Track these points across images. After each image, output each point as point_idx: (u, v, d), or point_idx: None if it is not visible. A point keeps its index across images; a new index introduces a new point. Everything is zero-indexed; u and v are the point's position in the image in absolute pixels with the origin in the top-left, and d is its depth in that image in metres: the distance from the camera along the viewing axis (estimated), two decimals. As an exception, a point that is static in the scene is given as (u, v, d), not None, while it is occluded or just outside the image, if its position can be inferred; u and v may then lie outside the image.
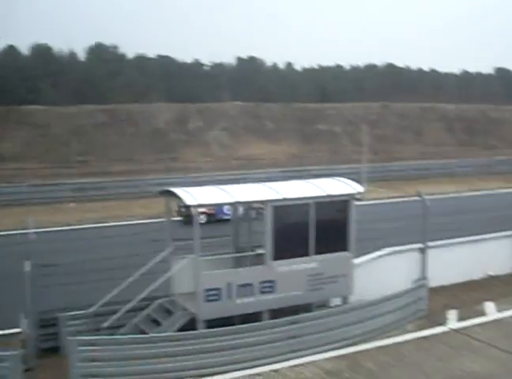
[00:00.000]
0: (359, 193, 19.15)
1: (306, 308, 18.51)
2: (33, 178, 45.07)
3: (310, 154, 61.75)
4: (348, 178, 20.02)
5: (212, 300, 17.22)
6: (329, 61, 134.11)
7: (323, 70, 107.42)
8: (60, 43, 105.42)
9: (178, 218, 28.13)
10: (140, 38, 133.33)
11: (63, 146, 54.30)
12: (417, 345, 17.95)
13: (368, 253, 22.51)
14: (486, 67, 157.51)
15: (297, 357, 16.83)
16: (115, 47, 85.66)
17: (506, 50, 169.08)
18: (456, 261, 24.54)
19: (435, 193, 36.75)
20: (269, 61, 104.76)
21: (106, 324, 17.13)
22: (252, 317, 17.54)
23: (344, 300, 19.56)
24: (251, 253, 18.97)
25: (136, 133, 59.21)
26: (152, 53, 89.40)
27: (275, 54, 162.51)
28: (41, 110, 57.61)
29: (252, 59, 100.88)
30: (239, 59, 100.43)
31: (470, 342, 18.12)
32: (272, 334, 16.86)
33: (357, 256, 20.69)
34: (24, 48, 79.47)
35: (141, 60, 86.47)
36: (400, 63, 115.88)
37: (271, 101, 72.89)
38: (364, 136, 41.00)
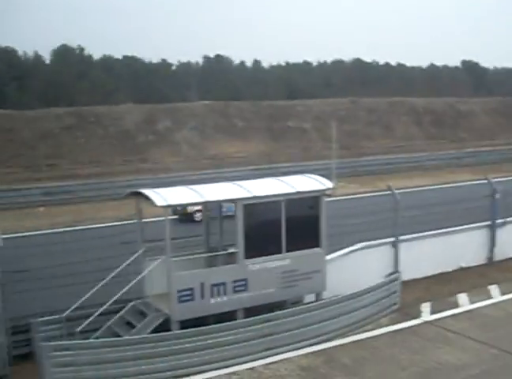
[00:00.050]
0: (330, 189, 19.21)
1: (280, 305, 18.52)
2: (0, 183, 44.57)
3: (281, 151, 61.72)
4: (319, 175, 20.07)
5: (185, 300, 17.19)
6: (296, 58, 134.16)
7: (291, 67, 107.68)
8: (25, 46, 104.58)
9: (174, 216, 28.48)
10: (106, 39, 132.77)
11: (31, 150, 53.73)
12: (392, 338, 18.04)
13: (340, 248, 22.58)
14: (453, 60, 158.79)
15: (272, 354, 16.84)
16: (81, 49, 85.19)
17: (473, 42, 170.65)
18: (428, 254, 24.73)
19: (406, 187, 36.92)
20: (236, 60, 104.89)
21: (79, 329, 17.00)
22: (226, 317, 17.52)
23: (318, 296, 19.61)
24: (223, 252, 18.95)
25: (104, 135, 58.79)
26: (118, 54, 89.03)
27: (242, 52, 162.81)
28: (7, 115, 57.00)
29: (219, 58, 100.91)
30: (206, 58, 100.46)
31: (444, 334, 18.23)
32: (246, 332, 16.84)
33: (329, 252, 20.78)
34: (-13, 52, 78.81)
35: (108, 61, 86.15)
36: (367, 58, 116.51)
37: (240, 99, 72.86)
38: (333, 132, 41.05)
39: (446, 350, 17.07)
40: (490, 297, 21.63)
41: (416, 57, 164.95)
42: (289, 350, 17.07)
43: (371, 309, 19.48)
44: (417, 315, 19.82)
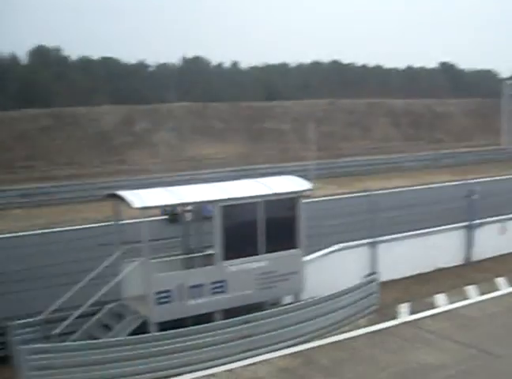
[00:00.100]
0: (308, 191, 19.23)
1: (258, 307, 18.50)
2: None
3: (259, 152, 61.71)
4: (297, 176, 20.09)
5: (163, 302, 17.13)
6: (274, 59, 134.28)
7: (269, 68, 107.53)
8: (0, 47, 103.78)
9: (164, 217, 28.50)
10: (83, 40, 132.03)
11: (7, 151, 53.35)
12: (370, 339, 18.08)
13: (319, 249, 22.60)
14: (430, 62, 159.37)
15: (251, 356, 16.83)
16: (58, 50, 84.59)
17: (451, 44, 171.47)
18: (406, 255, 24.83)
19: (384, 188, 37.07)
20: (214, 61, 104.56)
21: (56, 331, 16.88)
22: (205, 318, 17.47)
23: (296, 297, 19.61)
24: (201, 253, 18.90)
25: (82, 137, 58.49)
26: (96, 54, 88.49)
27: (220, 53, 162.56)
28: (-18, 116, 56.62)
29: (197, 59, 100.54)
30: (185, 59, 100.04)
31: (422, 334, 18.31)
32: (225, 334, 16.83)
33: (308, 253, 20.80)
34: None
35: (85, 62, 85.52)
36: (345, 60, 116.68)
37: (218, 100, 72.74)
38: (311, 133, 41.10)
39: (424, 350, 17.13)
40: (467, 297, 21.76)
41: (394, 58, 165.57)
42: (268, 352, 17.07)
43: (350, 310, 19.51)
44: (395, 316, 19.88)
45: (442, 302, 21.23)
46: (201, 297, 17.66)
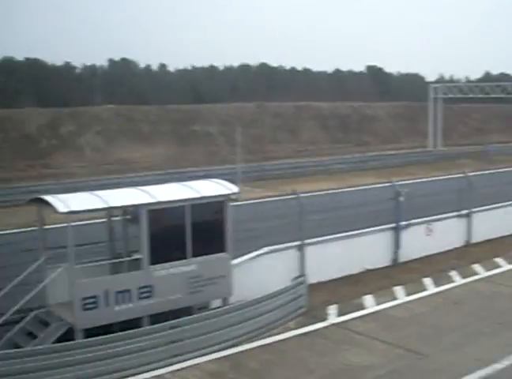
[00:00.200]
0: (235, 194, 19.17)
1: (186, 311, 18.34)
2: None
3: (186, 156, 61.56)
4: (224, 179, 19.99)
5: (89, 308, 16.80)
6: (202, 62, 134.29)
7: (197, 71, 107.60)
8: None
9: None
10: (5, 40, 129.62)
11: None
12: (299, 342, 18.03)
13: (247, 253, 22.55)
14: (358, 65, 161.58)
15: (180, 361, 16.61)
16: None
17: (378, 48, 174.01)
18: (334, 257, 24.96)
19: (311, 191, 37.23)
20: (142, 63, 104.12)
21: (-23, 341, 16.45)
22: (132, 324, 17.23)
23: (225, 301, 19.51)
24: (128, 258, 18.64)
25: (5, 140, 57.45)
26: (19, 56, 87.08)
27: (148, 55, 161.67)
28: None
29: (125, 61, 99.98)
30: (112, 61, 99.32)
31: (351, 335, 18.34)
32: (152, 339, 16.57)
33: (235, 256, 20.72)
34: None
35: (9, 63, 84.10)
36: (273, 63, 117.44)
37: (145, 103, 72.37)
38: (238, 136, 41.09)
39: (353, 351, 17.16)
40: (395, 298, 21.91)
41: (322, 62, 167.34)
42: (196, 357, 16.87)
43: (278, 313, 19.45)
44: (324, 318, 19.89)
45: (370, 303, 21.33)
46: (127, 302, 17.40)
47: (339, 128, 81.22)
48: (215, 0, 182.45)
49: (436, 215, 29.73)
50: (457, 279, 24.09)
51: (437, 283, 23.47)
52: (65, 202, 16.75)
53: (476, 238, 30.91)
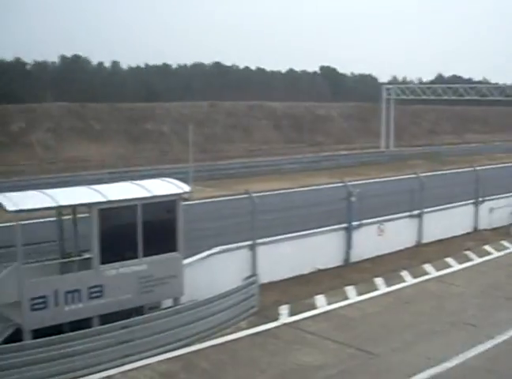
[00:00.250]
0: (186, 193, 19.06)
1: (137, 311, 18.19)
2: None
3: (139, 154, 61.19)
4: (177, 178, 19.87)
5: (38, 309, 16.57)
6: (155, 60, 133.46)
7: (150, 69, 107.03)
8: None
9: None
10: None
11: None
12: (251, 342, 17.98)
13: (198, 252, 22.44)
14: (312, 66, 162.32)
15: (130, 361, 16.46)
16: None
17: (332, 49, 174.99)
18: (285, 257, 24.99)
19: (264, 190, 37.21)
20: (94, 60, 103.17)
21: None
22: (82, 324, 17.02)
23: (176, 301, 19.39)
24: (78, 258, 18.43)
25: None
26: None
27: (100, 52, 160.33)
28: None
29: (76, 58, 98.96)
30: (63, 58, 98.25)
31: (303, 335, 18.34)
32: (103, 340, 16.40)
33: (187, 256, 20.61)
34: None
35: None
36: (227, 62, 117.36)
37: (97, 101, 71.69)
38: (191, 135, 40.92)
39: (304, 351, 17.16)
40: (346, 298, 21.97)
41: (276, 61, 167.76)
42: (147, 357, 16.73)
43: (230, 312, 19.41)
44: (276, 317, 19.86)
45: (322, 303, 21.35)
46: (77, 302, 17.19)
47: (292, 128, 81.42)
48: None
49: (388, 215, 29.94)
50: (408, 279, 24.27)
51: (388, 283, 23.61)
52: (13, 200, 16.49)
53: (427, 238, 31.23)
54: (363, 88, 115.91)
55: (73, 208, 19.09)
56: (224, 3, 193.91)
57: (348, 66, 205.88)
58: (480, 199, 34.70)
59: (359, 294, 22.34)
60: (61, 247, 19.48)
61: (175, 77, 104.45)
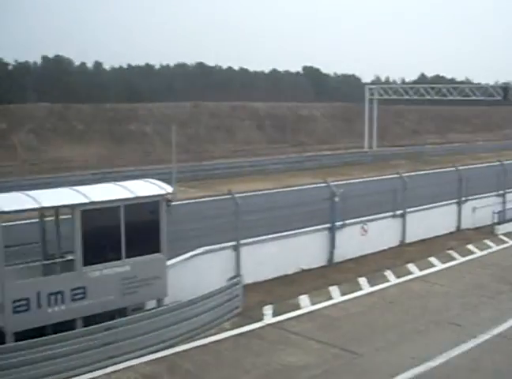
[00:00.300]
0: (170, 194, 19.00)
1: (121, 312, 18.12)
2: None
3: (122, 155, 60.98)
4: (160, 179, 19.81)
5: (20, 311, 16.42)
6: (138, 61, 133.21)
7: (133, 70, 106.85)
8: None
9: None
10: None
11: None
12: (235, 342, 17.98)
13: (182, 253, 22.38)
14: (295, 66, 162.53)
15: (115, 363, 16.40)
16: None
17: (315, 49, 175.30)
18: (269, 257, 24.98)
19: (248, 191, 37.19)
20: (76, 61, 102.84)
21: None
22: (66, 326, 16.92)
23: (160, 302, 19.32)
24: (60, 259, 18.32)
25: None
26: None
27: (82, 53, 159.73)
28: None
29: (59, 58, 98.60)
30: (45, 58, 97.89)
31: (287, 336, 18.36)
32: (86, 342, 16.31)
33: (171, 257, 20.55)
34: None
35: None
36: (210, 62, 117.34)
37: (80, 102, 71.40)
38: (174, 135, 40.81)
39: (288, 351, 17.18)
40: (330, 298, 22.01)
41: (259, 62, 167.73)
42: (131, 359, 16.69)
43: (214, 313, 19.37)
44: (260, 318, 19.86)
45: (306, 303, 21.38)
46: (60, 304, 17.07)
47: (275, 128, 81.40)
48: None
49: (371, 215, 29.98)
50: (392, 279, 24.35)
51: (372, 283, 23.67)
52: (-5, 202, 16.37)
53: (411, 237, 31.29)
54: (347, 88, 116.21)
55: (56, 210, 19.00)
56: (207, 3, 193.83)
57: (331, 66, 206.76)
58: (463, 198, 34.83)
59: (343, 294, 22.39)
60: (43, 249, 19.36)
61: (158, 78, 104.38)
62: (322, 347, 17.50)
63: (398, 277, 24.47)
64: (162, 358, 16.83)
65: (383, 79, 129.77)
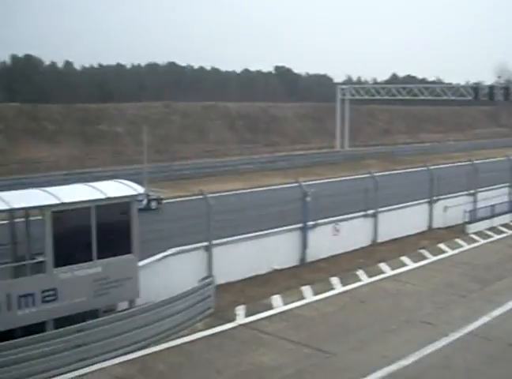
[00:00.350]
0: (141, 195, 18.92)
1: (93, 314, 17.99)
2: None
3: (93, 156, 60.64)
4: (131, 180, 19.73)
5: (-11, 313, 16.30)
6: (109, 60, 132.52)
7: (104, 69, 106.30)
8: None
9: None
10: None
11: None
12: (207, 343, 17.95)
13: (153, 254, 22.27)
14: (266, 66, 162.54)
15: (86, 365, 16.28)
16: None
17: (287, 49, 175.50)
18: (242, 257, 24.94)
19: (220, 191, 37.16)
20: (46, 60, 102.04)
21: None
22: (36, 328, 16.77)
23: (131, 303, 19.22)
24: (31, 261, 18.14)
25: None
26: None
27: (53, 52, 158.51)
28: None
29: (28, 58, 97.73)
30: (15, 58, 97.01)
31: (259, 336, 18.36)
32: (57, 344, 16.17)
33: (142, 258, 20.44)
34: None
35: None
36: (182, 62, 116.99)
37: (50, 102, 70.89)
38: (145, 135, 40.68)
39: (261, 351, 17.18)
40: (303, 297, 22.03)
41: (231, 62, 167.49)
42: (103, 360, 16.60)
43: (186, 314, 19.32)
44: (232, 318, 19.84)
45: (278, 303, 21.38)
46: (31, 306, 16.92)
47: (247, 128, 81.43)
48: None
49: (343, 215, 30.04)
50: (364, 278, 24.42)
51: (344, 282, 23.73)
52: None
53: (382, 237, 31.39)
54: (319, 88, 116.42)
55: (26, 211, 18.82)
56: (178, 3, 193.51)
57: (303, 66, 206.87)
58: (435, 198, 35.02)
59: (316, 293, 22.42)
60: (13, 250, 19.16)
61: (129, 78, 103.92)
62: (295, 346, 17.52)
63: (370, 276, 24.55)
64: (134, 359, 16.76)
65: (355, 79, 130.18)
